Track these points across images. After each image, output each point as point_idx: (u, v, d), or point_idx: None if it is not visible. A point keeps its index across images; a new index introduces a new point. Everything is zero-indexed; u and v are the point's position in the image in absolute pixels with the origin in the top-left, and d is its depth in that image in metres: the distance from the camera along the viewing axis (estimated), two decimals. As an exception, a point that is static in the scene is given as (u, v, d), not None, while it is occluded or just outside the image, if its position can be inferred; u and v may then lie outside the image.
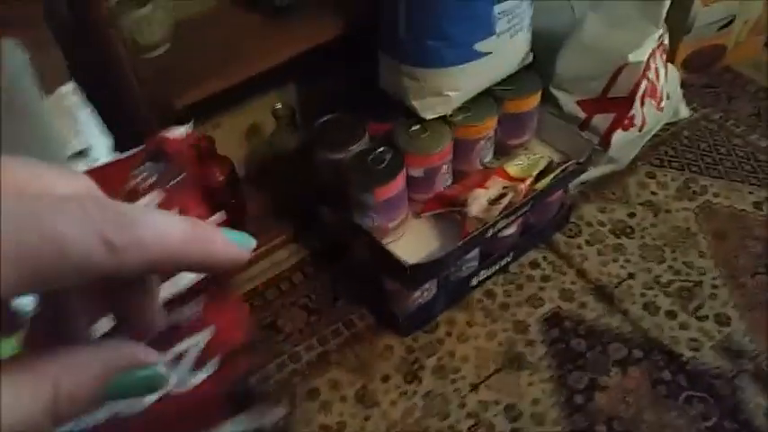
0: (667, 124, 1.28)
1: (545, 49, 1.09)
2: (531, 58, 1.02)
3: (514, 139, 1.07)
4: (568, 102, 1.08)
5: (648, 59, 1.01)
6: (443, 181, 1.01)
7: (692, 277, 1.07)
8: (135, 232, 0.16)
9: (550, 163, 1.00)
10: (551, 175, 0.98)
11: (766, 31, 1.39)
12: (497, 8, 0.88)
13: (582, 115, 1.08)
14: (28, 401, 0.16)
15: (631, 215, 1.17)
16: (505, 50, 0.94)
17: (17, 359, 0.16)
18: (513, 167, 1.00)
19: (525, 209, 0.98)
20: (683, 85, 1.33)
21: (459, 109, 0.98)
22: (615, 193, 1.21)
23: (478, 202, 0.95)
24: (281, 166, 1.11)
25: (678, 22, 1.28)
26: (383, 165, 0.93)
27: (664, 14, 0.97)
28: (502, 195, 0.96)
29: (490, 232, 0.96)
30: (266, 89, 1.13)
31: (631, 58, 0.99)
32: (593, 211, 1.18)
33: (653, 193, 1.20)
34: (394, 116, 0.99)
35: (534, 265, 1.12)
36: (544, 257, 1.12)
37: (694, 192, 1.20)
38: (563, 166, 0.99)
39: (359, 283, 1.11)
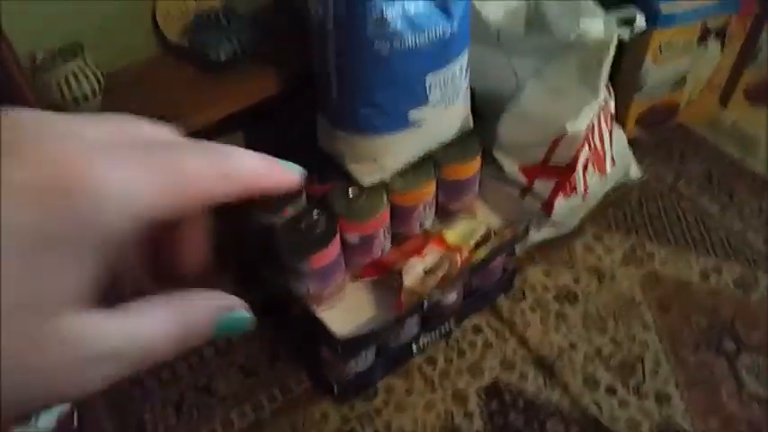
0: (618, 185, 1.27)
1: (490, 110, 1.08)
2: (470, 124, 1.01)
3: (455, 203, 1.05)
4: (511, 166, 1.07)
5: (589, 128, 1.00)
6: (380, 246, 0.99)
7: (635, 351, 1.05)
8: (234, 163, 0.20)
9: (488, 231, 0.99)
10: (488, 245, 0.96)
11: (719, 90, 1.39)
12: (429, 78, 0.86)
13: (524, 180, 1.07)
14: (163, 330, 0.19)
15: (576, 280, 1.16)
16: (441, 118, 0.93)
17: (151, 299, 0.19)
18: (451, 234, 0.99)
19: (462, 280, 0.96)
20: (636, 142, 1.33)
21: (398, 173, 0.96)
22: (561, 255, 1.19)
23: (414, 272, 0.93)
24: (221, 220, 1.08)
25: (630, 80, 1.28)
26: (317, 231, 0.91)
27: (603, 84, 0.96)
28: (438, 265, 0.94)
29: (426, 304, 0.94)
30: (210, 138, 1.10)
31: (569, 127, 0.98)
32: (538, 275, 1.16)
33: (599, 257, 1.19)
34: (333, 176, 0.97)
35: (477, 330, 1.09)
36: (487, 322, 1.10)
37: (641, 258, 1.19)
38: (501, 236, 0.98)
39: (297, 346, 1.08)
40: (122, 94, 0.93)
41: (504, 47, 0.99)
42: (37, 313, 0.16)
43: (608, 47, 0.91)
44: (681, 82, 1.30)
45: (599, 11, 0.90)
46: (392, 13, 0.79)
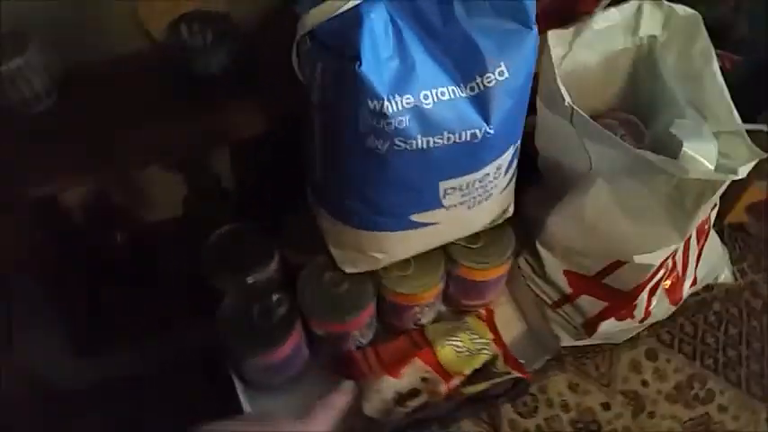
0: (704, 286, 1.00)
1: (552, 181, 0.84)
2: (511, 212, 0.77)
3: (470, 301, 0.83)
4: (554, 268, 0.83)
5: (665, 260, 0.74)
6: (356, 342, 0.79)
7: None
8: None
9: (493, 360, 0.77)
10: (487, 383, 0.75)
11: None
12: (444, 185, 0.63)
13: (567, 290, 0.83)
14: None
15: (606, 406, 0.93)
16: (461, 219, 0.69)
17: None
18: (446, 350, 0.78)
19: (439, 412, 0.77)
20: (741, 233, 1.05)
21: (397, 264, 0.75)
22: (598, 366, 0.96)
23: (379, 397, 0.74)
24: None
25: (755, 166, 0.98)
26: (272, 321, 0.73)
27: (692, 228, 0.69)
28: (415, 393, 0.75)
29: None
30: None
31: (637, 259, 0.72)
32: (561, 386, 0.94)
33: (643, 382, 0.95)
34: (313, 248, 0.77)
35: (463, 440, 0.90)
36: (478, 433, 0.91)
37: (696, 396, 0.94)
38: (506, 373, 0.76)
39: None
40: (82, 95, 0.75)
41: (577, 127, 0.72)
42: None
43: (713, 190, 0.63)
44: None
45: (708, 130, 0.62)
46: (397, 107, 0.55)
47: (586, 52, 0.80)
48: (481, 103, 0.57)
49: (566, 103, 0.69)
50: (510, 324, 0.85)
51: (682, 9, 0.78)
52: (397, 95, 0.55)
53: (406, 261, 0.75)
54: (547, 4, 0.77)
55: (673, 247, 0.71)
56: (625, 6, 0.77)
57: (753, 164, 0.62)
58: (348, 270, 0.73)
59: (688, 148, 0.59)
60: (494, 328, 0.82)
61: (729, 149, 0.65)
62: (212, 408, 0.82)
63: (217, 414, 0.81)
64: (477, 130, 0.58)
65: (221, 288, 0.75)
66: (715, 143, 0.61)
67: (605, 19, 0.77)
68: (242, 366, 0.76)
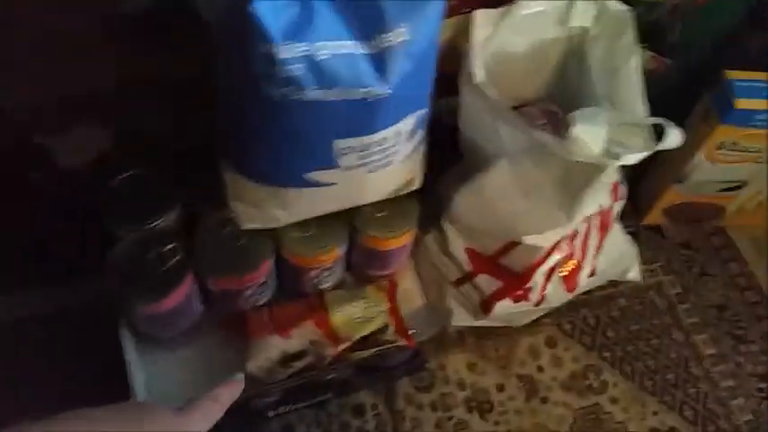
0: (612, 281, 1.02)
1: (468, 159, 0.84)
2: (417, 184, 0.77)
3: (373, 271, 0.83)
4: (457, 245, 0.83)
5: (564, 238, 0.75)
6: (252, 301, 0.79)
7: None
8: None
9: (384, 328, 0.77)
10: (373, 350, 0.75)
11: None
12: (339, 143, 0.62)
13: (468, 267, 0.84)
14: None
15: (501, 388, 0.94)
16: (361, 182, 0.69)
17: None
18: (340, 316, 0.78)
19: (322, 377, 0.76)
20: (656, 234, 1.07)
21: (297, 225, 0.74)
22: (498, 349, 0.97)
23: (264, 356, 0.73)
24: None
25: (670, 168, 1.00)
26: (163, 268, 0.71)
27: (581, 212, 0.70)
28: (301, 355, 0.75)
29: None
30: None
31: (526, 240, 0.73)
32: (459, 365, 0.95)
33: (540, 368, 0.96)
34: (216, 202, 0.75)
35: (357, 411, 0.90)
36: (373, 406, 0.91)
37: (589, 386, 0.96)
38: (394, 342, 0.76)
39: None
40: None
41: (488, 107, 0.73)
42: None
43: (600, 171, 0.64)
44: (735, 188, 1.00)
45: (605, 118, 0.63)
46: (289, 53, 0.54)
47: (514, 37, 0.80)
48: (379, 62, 0.57)
49: (475, 82, 0.69)
50: (410, 297, 0.86)
51: (614, 4, 0.79)
52: (291, 42, 0.54)
53: (308, 222, 0.74)
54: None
55: (560, 231, 0.72)
56: (556, -5, 0.78)
57: (642, 154, 0.63)
58: (247, 225, 0.72)
59: (576, 131, 0.60)
60: (392, 299, 0.82)
61: (627, 139, 0.66)
62: (98, 358, 0.81)
63: (102, 365, 0.80)
64: (372, 88, 0.57)
65: (119, 234, 0.74)
66: (606, 129, 0.61)
67: (535, 4, 0.77)
68: (131, 316, 0.74)
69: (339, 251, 0.76)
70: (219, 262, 0.73)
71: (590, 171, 0.64)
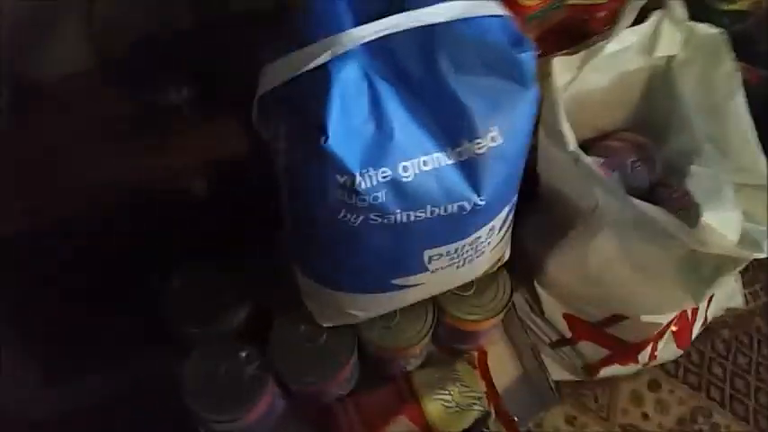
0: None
1: (553, 209, 0.76)
2: (506, 258, 0.70)
3: (461, 345, 0.77)
4: (553, 310, 0.76)
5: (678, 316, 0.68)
6: (336, 394, 0.73)
7: None
8: None
9: (485, 418, 0.71)
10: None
11: None
12: (429, 252, 0.55)
13: (567, 333, 0.77)
14: None
15: (604, 442, 0.88)
16: (451, 276, 0.62)
17: None
18: (434, 405, 0.72)
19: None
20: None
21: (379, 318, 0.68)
22: (598, 399, 0.90)
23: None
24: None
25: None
26: (242, 382, 0.66)
27: (709, 294, 0.62)
28: (399, 455, 0.69)
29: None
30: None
31: (644, 319, 0.65)
32: (557, 420, 0.89)
33: (644, 415, 0.89)
34: (284, 296, 0.69)
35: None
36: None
37: (700, 431, 0.89)
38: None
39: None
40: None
41: (582, 171, 0.64)
42: None
43: (735, 265, 0.55)
44: None
45: (733, 199, 0.54)
46: (371, 182, 0.47)
47: (595, 75, 0.71)
48: (470, 171, 0.50)
49: (570, 149, 0.61)
50: (504, 366, 0.79)
51: (704, 28, 0.69)
52: (371, 169, 0.47)
53: (389, 317, 0.68)
54: (555, 24, 0.69)
55: (684, 308, 0.64)
56: (641, 27, 0.68)
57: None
58: (325, 324, 0.67)
59: (708, 218, 0.51)
60: (486, 375, 0.76)
61: (752, 207, 0.57)
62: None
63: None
64: (466, 202, 0.50)
65: (185, 331, 0.69)
66: (739, 211, 0.53)
67: (619, 42, 0.68)
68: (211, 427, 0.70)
69: (428, 339, 0.70)
70: (301, 365, 0.68)
71: (723, 260, 0.56)
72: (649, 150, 0.77)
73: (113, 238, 0.79)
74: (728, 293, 0.87)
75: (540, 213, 0.79)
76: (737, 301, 0.92)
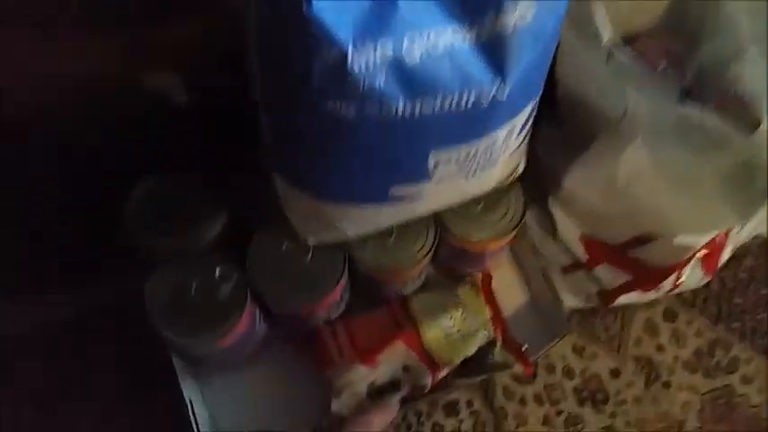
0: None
1: (573, 120, 0.67)
2: (521, 170, 0.61)
3: (464, 268, 0.69)
4: (569, 231, 0.68)
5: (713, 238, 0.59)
6: (325, 316, 0.66)
7: None
8: None
9: (490, 345, 0.64)
10: (480, 377, 0.62)
11: None
12: (436, 156, 0.46)
13: (583, 257, 0.68)
14: None
15: (615, 373, 0.81)
16: (456, 188, 0.53)
17: None
18: (434, 332, 0.64)
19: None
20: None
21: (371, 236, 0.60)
22: (609, 328, 0.83)
23: (351, 391, 0.61)
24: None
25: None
26: (217, 301, 0.58)
27: (758, 211, 0.53)
28: (393, 385, 0.62)
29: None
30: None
31: (679, 240, 0.57)
32: (565, 349, 0.82)
33: (659, 347, 0.83)
34: (267, 210, 0.60)
35: (450, 410, 0.79)
36: (468, 403, 0.79)
37: (718, 364, 0.82)
38: (504, 364, 0.63)
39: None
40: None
41: (614, 69, 0.54)
42: None
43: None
44: None
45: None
46: (367, 61, 0.37)
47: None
48: (494, 52, 0.39)
49: (603, 42, 0.51)
50: (510, 291, 0.71)
51: None
52: (367, 42, 0.37)
53: (384, 236, 0.59)
54: None
55: (728, 227, 0.55)
56: None
57: None
58: (311, 242, 0.58)
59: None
60: (491, 300, 0.68)
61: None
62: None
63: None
64: (486, 91, 0.40)
65: (151, 248, 0.61)
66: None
67: None
68: (181, 353, 0.62)
69: (426, 260, 0.62)
70: (284, 287, 0.60)
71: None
72: (680, 56, 0.67)
73: (79, 144, 0.69)
74: (759, 218, 0.78)
75: (557, 123, 0.69)
76: (763, 228, 0.84)
